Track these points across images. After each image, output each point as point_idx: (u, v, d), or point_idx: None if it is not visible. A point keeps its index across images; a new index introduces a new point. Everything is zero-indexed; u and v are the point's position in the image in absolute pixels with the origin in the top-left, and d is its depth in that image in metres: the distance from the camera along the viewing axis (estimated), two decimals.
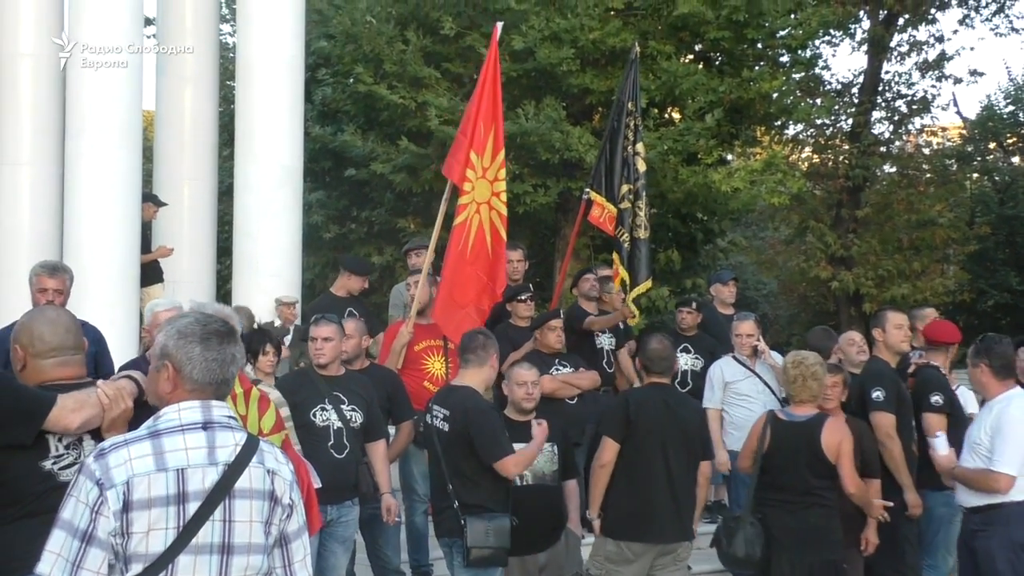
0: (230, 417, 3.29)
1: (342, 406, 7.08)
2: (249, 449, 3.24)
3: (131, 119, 11.57)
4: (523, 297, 9.50)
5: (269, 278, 12.48)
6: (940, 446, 7.18)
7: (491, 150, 9.27)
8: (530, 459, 6.61)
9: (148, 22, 16.11)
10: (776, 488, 7.11)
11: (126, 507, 3.03)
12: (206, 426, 3.21)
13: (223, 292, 15.75)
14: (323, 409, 7.02)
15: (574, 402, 8.89)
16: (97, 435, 3.90)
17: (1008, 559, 6.62)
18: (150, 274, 12.12)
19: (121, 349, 8.60)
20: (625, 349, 9.95)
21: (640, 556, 6.81)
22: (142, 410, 3.84)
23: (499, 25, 9.83)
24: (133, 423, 3.65)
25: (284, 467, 3.34)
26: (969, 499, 6.85)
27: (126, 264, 11.43)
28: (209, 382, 3.25)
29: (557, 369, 8.84)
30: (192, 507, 3.10)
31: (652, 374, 7.08)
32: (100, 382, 3.96)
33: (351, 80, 16.60)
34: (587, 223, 10.20)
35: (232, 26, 18.95)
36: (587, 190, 9.78)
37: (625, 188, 9.58)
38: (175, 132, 13.99)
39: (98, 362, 7.01)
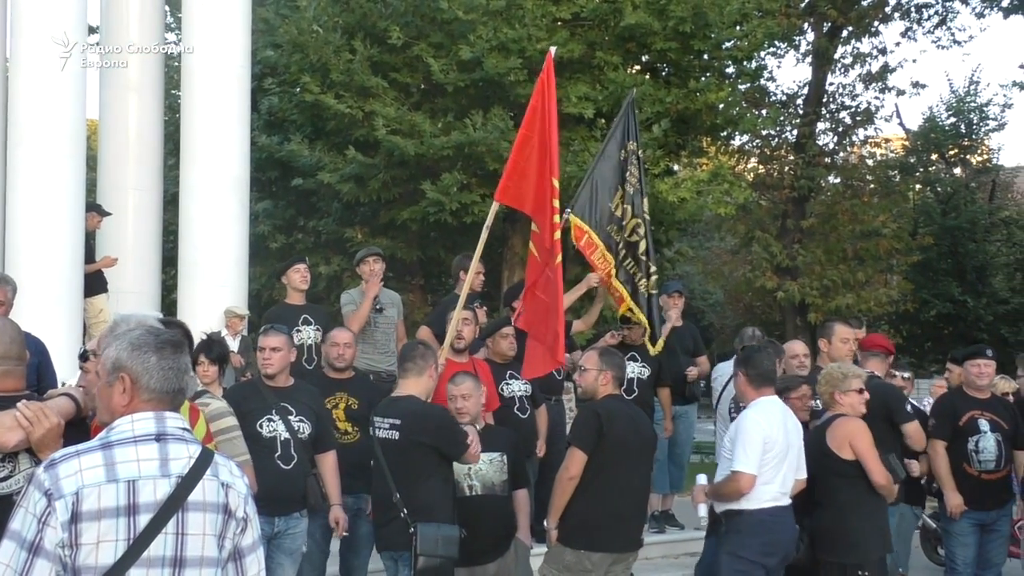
0: (184, 429, 3.26)
1: (290, 417, 7.03)
2: (203, 462, 3.21)
3: (74, 128, 11.45)
4: (476, 304, 9.52)
5: (215, 288, 12.36)
6: (701, 510, 7.33)
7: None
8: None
9: (92, 30, 15.96)
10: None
11: (75, 518, 3.00)
12: (159, 438, 3.17)
13: (168, 302, 15.62)
14: (270, 420, 6.97)
15: (526, 416, 8.89)
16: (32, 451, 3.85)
17: (733, 569, 6.74)
18: (94, 284, 12.00)
19: (64, 361, 8.48)
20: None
21: (597, 565, 6.82)
22: (78, 428, 3.79)
23: (552, 50, 9.29)
24: (71, 440, 3.60)
25: (239, 480, 3.31)
26: (719, 506, 6.99)
27: (69, 274, 11.30)
28: (166, 391, 3.24)
29: (507, 383, 8.82)
30: (143, 519, 3.06)
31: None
32: (20, 404, 3.88)
33: (298, 89, 16.52)
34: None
35: (177, 34, 18.80)
36: (568, 210, 9.43)
37: (633, 221, 9.48)
38: (119, 141, 13.87)
39: (40, 374, 6.93)
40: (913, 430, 8.20)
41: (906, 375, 9.94)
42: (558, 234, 8.36)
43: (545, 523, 7.02)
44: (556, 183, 8.45)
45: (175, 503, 3.11)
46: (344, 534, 7.52)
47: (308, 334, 9.91)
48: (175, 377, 3.26)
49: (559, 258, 8.36)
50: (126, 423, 3.19)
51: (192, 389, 5.93)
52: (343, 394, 7.99)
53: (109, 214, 12.67)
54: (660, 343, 9.62)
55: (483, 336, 9.03)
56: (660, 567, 10.34)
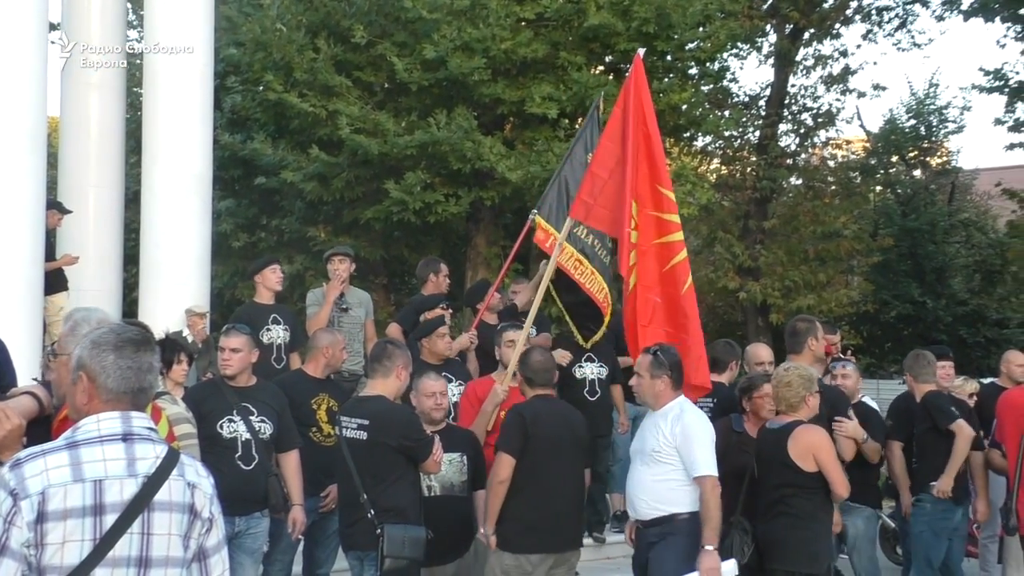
0: (150, 429, 3.26)
1: (251, 417, 7.02)
2: (169, 462, 3.21)
3: (35, 124, 11.34)
4: (443, 305, 9.52)
5: (177, 287, 12.30)
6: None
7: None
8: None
9: (53, 27, 15.82)
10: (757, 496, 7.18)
11: (41, 518, 3.00)
12: (126, 438, 3.17)
13: (129, 301, 15.53)
14: (230, 420, 6.96)
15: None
16: None
17: (677, 569, 6.62)
18: (54, 282, 11.92)
19: (24, 359, 8.42)
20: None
21: (537, 567, 6.81)
22: (41, 426, 3.78)
23: (641, 52, 8.88)
24: (34, 439, 3.58)
25: (205, 480, 3.32)
26: (648, 512, 6.78)
27: (29, 272, 11.19)
28: (124, 391, 3.22)
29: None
30: (109, 519, 3.06)
31: (536, 386, 7.11)
32: None
33: (261, 88, 16.46)
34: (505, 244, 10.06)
35: (139, 32, 18.69)
36: (535, 212, 9.34)
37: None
38: (81, 138, 13.78)
39: (0, 372, 6.87)
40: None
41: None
42: (683, 254, 7.75)
43: (482, 529, 6.95)
44: (670, 193, 7.79)
45: (141, 503, 3.11)
46: (299, 537, 7.53)
47: (277, 333, 9.92)
48: (134, 376, 3.24)
49: (688, 282, 7.79)
50: (92, 423, 3.19)
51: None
52: (325, 395, 8.01)
53: (70, 212, 12.58)
54: (596, 336, 9.53)
55: (418, 336, 8.90)
56: (622, 566, 10.36)
